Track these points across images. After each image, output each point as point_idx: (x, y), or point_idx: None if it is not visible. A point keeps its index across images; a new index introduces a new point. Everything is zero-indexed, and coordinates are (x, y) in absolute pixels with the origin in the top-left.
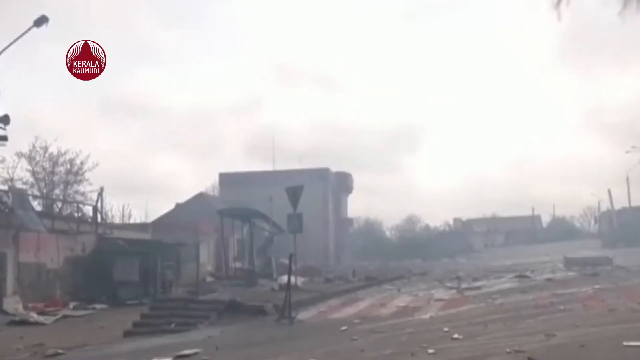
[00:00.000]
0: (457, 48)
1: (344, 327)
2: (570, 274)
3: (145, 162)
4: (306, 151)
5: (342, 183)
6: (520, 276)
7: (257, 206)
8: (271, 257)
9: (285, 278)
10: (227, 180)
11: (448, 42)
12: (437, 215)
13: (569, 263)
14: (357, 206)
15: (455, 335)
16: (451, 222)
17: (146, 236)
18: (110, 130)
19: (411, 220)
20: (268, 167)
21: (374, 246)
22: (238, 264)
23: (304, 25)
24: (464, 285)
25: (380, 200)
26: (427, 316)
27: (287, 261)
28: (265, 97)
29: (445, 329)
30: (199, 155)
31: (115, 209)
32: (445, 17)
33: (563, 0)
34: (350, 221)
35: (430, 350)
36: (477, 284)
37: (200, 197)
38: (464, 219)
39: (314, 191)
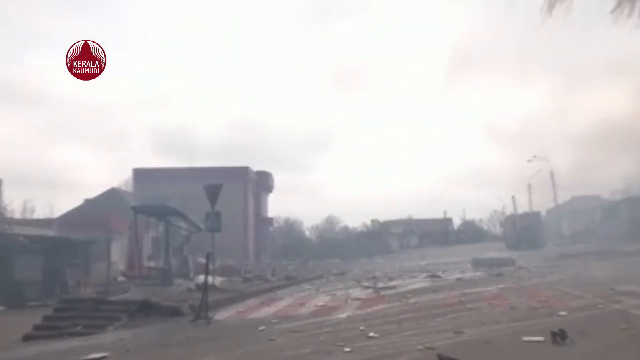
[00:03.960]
0: (372, 50)
1: (263, 327)
2: (478, 274)
3: (50, 155)
4: (226, 149)
5: (263, 182)
6: (433, 276)
7: (173, 203)
8: (188, 256)
9: (202, 277)
10: (142, 176)
11: (361, 44)
12: (355, 216)
13: (476, 264)
14: (277, 206)
15: (371, 334)
16: (369, 223)
17: (51, 233)
18: (12, 120)
19: (330, 221)
20: (186, 164)
21: (293, 246)
22: (152, 263)
23: (219, 22)
24: (380, 284)
25: (300, 200)
26: (344, 315)
27: (204, 260)
28: (180, 93)
29: (362, 328)
30: (110, 150)
31: (16, 203)
32: (355, 18)
33: (556, 5)
34: (270, 220)
35: (347, 349)
36: (393, 283)
37: (113, 193)
38: (381, 220)
39: (234, 190)
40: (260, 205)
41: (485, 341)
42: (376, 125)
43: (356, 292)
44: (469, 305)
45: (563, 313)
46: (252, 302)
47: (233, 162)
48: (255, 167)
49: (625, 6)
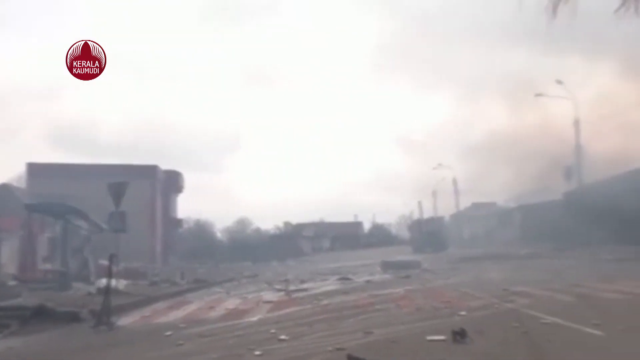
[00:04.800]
0: (286, 52)
1: (169, 332)
2: (386, 276)
3: None
4: (133, 147)
5: (172, 182)
6: (343, 278)
7: (73, 201)
8: (88, 258)
9: (104, 281)
10: (37, 171)
11: (274, 45)
12: (268, 219)
13: (385, 266)
14: (187, 206)
15: (282, 336)
16: (281, 226)
17: None
18: None
19: (242, 223)
20: (88, 161)
21: (204, 248)
22: (48, 266)
23: (128, 16)
24: (292, 287)
25: (212, 202)
26: (255, 318)
27: (107, 262)
28: (81, 86)
29: (273, 331)
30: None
31: None
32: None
33: (560, 3)
34: (179, 222)
35: (257, 352)
36: (304, 286)
37: (2, 189)
38: (293, 222)
39: (141, 189)
40: (169, 205)
41: (392, 341)
42: (288, 128)
43: (268, 295)
44: (378, 307)
45: (463, 313)
46: (159, 306)
47: (140, 161)
48: (165, 166)
49: (631, 4)
